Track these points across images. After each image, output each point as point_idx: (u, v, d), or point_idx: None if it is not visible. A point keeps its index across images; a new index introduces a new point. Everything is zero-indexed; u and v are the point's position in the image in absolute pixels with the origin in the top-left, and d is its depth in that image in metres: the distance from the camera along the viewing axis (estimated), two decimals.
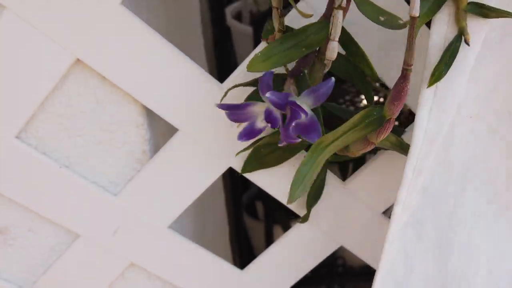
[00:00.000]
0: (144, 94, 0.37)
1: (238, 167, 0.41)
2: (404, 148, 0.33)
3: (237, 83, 0.36)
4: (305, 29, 0.31)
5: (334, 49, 0.29)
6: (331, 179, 0.42)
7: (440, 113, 0.31)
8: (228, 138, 0.39)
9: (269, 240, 0.97)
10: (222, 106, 0.32)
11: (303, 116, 0.29)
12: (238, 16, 0.92)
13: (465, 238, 0.37)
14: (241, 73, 0.37)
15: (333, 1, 0.29)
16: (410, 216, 0.34)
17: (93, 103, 0.38)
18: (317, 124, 0.30)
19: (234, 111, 0.33)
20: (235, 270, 0.47)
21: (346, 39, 0.33)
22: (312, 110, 0.31)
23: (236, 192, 0.90)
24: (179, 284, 0.48)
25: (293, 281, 0.48)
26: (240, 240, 0.94)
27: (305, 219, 0.43)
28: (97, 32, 0.35)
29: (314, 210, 0.42)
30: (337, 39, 0.29)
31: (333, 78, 0.29)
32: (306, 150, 0.36)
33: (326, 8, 0.31)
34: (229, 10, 0.90)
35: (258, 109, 0.32)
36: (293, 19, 0.35)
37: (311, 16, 0.32)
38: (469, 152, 0.36)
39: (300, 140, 0.31)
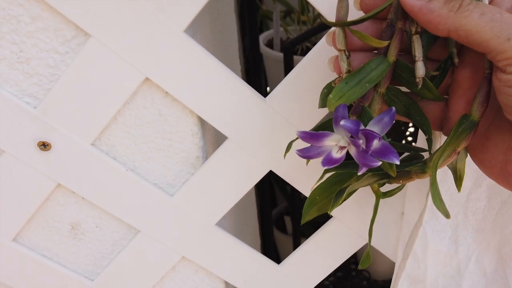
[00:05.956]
0: (200, 107, 0.44)
1: (277, 170, 0.47)
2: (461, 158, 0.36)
3: (277, 100, 0.43)
4: (364, 66, 0.33)
5: (420, 68, 0.32)
6: None
7: None
8: (270, 145, 0.46)
9: None
10: (302, 134, 0.32)
11: (376, 140, 0.30)
12: (269, 44, 0.99)
13: (476, 224, 0.43)
14: (279, 93, 0.44)
15: (394, 30, 0.32)
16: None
17: (157, 115, 0.45)
18: (391, 146, 0.31)
19: (311, 141, 0.33)
20: (272, 264, 0.53)
21: (399, 67, 0.33)
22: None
23: (266, 208, 0.96)
24: (223, 275, 0.54)
25: (324, 275, 0.54)
26: (269, 251, 1.00)
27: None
28: (163, 55, 0.42)
29: (342, 208, 0.48)
30: (421, 59, 0.32)
31: (393, 108, 0.30)
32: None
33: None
34: (262, 38, 0.98)
35: (331, 143, 0.33)
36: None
37: (386, 44, 0.33)
38: None
39: (380, 163, 0.31)
